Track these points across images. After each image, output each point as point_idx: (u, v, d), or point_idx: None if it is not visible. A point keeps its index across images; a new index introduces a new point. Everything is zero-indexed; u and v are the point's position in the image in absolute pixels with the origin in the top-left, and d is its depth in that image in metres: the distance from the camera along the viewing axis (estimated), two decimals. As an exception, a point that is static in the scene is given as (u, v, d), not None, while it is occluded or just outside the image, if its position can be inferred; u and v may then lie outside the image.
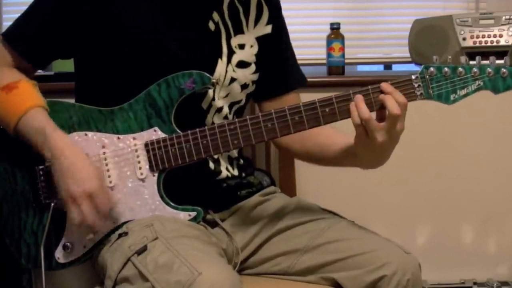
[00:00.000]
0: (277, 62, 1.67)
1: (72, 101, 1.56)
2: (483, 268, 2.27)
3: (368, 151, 1.41)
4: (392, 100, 1.34)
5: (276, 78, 1.67)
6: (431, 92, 1.38)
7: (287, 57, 1.72)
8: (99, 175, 1.40)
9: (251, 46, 1.62)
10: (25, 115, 1.42)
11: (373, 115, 1.37)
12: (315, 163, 1.63)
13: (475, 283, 2.24)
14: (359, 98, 1.36)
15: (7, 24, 2.26)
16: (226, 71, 1.56)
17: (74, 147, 1.41)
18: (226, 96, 1.58)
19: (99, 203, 1.37)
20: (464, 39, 2.10)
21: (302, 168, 1.96)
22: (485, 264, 2.28)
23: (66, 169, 1.38)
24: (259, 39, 1.63)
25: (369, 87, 1.38)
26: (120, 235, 1.43)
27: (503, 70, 1.35)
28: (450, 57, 1.38)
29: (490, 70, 1.36)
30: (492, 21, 2.09)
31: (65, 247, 1.48)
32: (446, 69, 1.37)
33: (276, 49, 1.67)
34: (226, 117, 1.58)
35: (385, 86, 1.37)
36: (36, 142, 1.42)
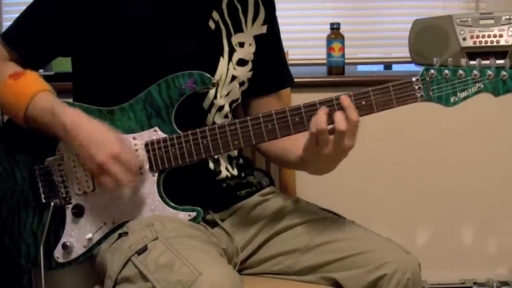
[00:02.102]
0: (269, 62, 1.69)
1: (71, 101, 1.56)
2: (483, 268, 2.27)
3: (314, 160, 1.42)
4: (341, 115, 1.35)
5: (267, 77, 1.68)
6: (431, 94, 1.38)
7: (279, 58, 1.74)
8: (118, 136, 1.40)
9: (250, 45, 1.63)
10: (34, 98, 1.43)
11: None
12: (282, 166, 1.66)
13: (475, 283, 2.24)
14: (322, 109, 1.37)
15: (7, 24, 2.26)
16: (228, 69, 1.57)
17: (85, 117, 1.41)
18: (228, 94, 1.59)
19: (126, 161, 1.37)
20: (464, 39, 2.10)
21: (302, 168, 1.96)
22: (485, 264, 2.27)
23: (85, 139, 1.38)
24: (256, 38, 1.64)
25: (333, 97, 1.39)
26: (120, 235, 1.43)
27: (503, 72, 1.35)
28: (450, 59, 1.38)
29: (490, 73, 1.36)
30: (492, 21, 2.09)
31: (64, 247, 1.48)
32: (446, 71, 1.37)
33: (269, 49, 1.68)
34: (226, 116, 1.59)
35: (343, 99, 1.37)
36: (47, 123, 1.42)
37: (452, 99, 1.38)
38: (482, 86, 1.37)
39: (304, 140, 1.42)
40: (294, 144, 1.47)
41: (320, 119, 1.35)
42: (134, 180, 1.41)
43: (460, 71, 1.37)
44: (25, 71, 1.48)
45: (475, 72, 1.36)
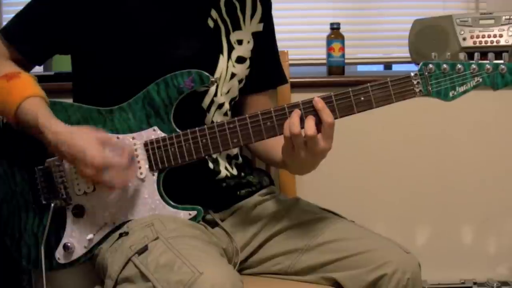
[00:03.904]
0: (264, 60, 1.69)
1: (71, 101, 1.56)
2: (483, 268, 2.27)
3: (293, 162, 1.43)
4: (311, 121, 1.35)
5: (261, 75, 1.69)
6: (430, 88, 1.38)
7: (273, 56, 1.75)
8: (98, 139, 1.38)
9: (248, 42, 1.63)
10: (23, 102, 1.42)
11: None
12: (271, 165, 1.69)
13: (475, 283, 2.24)
14: (296, 112, 1.37)
15: (7, 24, 2.27)
16: (227, 67, 1.57)
17: (66, 130, 1.40)
18: (228, 92, 1.59)
19: (114, 166, 1.36)
20: (464, 39, 2.10)
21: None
22: (485, 264, 2.27)
23: (68, 156, 1.38)
24: (254, 35, 1.65)
25: (300, 101, 1.39)
26: (120, 235, 1.43)
27: (502, 66, 1.35)
28: (449, 54, 1.38)
29: (489, 67, 1.36)
30: (492, 21, 2.09)
31: (65, 247, 1.48)
32: (445, 65, 1.37)
33: (264, 48, 1.69)
34: (226, 114, 1.60)
35: (316, 102, 1.37)
36: (33, 131, 1.42)
37: (451, 94, 1.38)
38: (480, 80, 1.37)
39: (279, 140, 1.43)
40: (278, 143, 1.47)
41: (293, 122, 1.35)
42: (130, 176, 1.41)
43: (459, 65, 1.37)
44: (20, 72, 1.48)
45: (473, 66, 1.36)
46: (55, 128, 1.39)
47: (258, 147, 1.63)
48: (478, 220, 2.27)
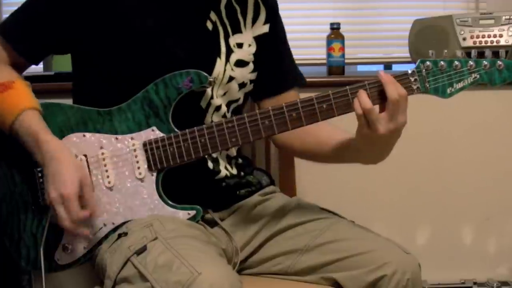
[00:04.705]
0: (274, 61, 1.67)
1: (71, 101, 1.56)
2: (483, 268, 2.27)
3: (369, 144, 1.40)
4: (392, 86, 1.34)
5: (274, 77, 1.67)
6: (427, 86, 1.38)
7: (284, 56, 1.72)
8: (82, 179, 1.38)
9: (249, 46, 1.62)
10: (20, 116, 1.42)
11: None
12: (315, 160, 1.63)
13: (475, 283, 2.24)
14: (361, 91, 1.36)
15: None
16: (225, 69, 1.56)
17: (64, 152, 1.40)
18: (224, 94, 1.58)
19: (70, 209, 1.35)
20: (464, 39, 2.10)
21: (302, 168, 1.96)
22: (485, 264, 2.27)
23: (51, 173, 1.37)
24: (257, 39, 1.64)
25: (366, 82, 1.37)
26: (119, 235, 1.43)
27: (499, 62, 1.35)
28: (446, 51, 1.38)
29: (486, 63, 1.36)
30: (492, 21, 2.09)
31: (64, 249, 1.48)
32: (442, 62, 1.37)
33: (273, 48, 1.67)
34: (224, 116, 1.59)
35: (383, 75, 1.36)
36: (28, 145, 1.42)
37: (448, 90, 1.38)
38: (478, 76, 1.37)
39: (335, 131, 1.45)
40: (329, 136, 1.47)
41: (364, 99, 1.34)
42: (75, 228, 1.38)
43: (456, 62, 1.37)
44: (14, 82, 1.47)
45: (470, 62, 1.36)
46: (52, 144, 1.39)
47: (304, 144, 1.60)
48: (478, 220, 2.27)
